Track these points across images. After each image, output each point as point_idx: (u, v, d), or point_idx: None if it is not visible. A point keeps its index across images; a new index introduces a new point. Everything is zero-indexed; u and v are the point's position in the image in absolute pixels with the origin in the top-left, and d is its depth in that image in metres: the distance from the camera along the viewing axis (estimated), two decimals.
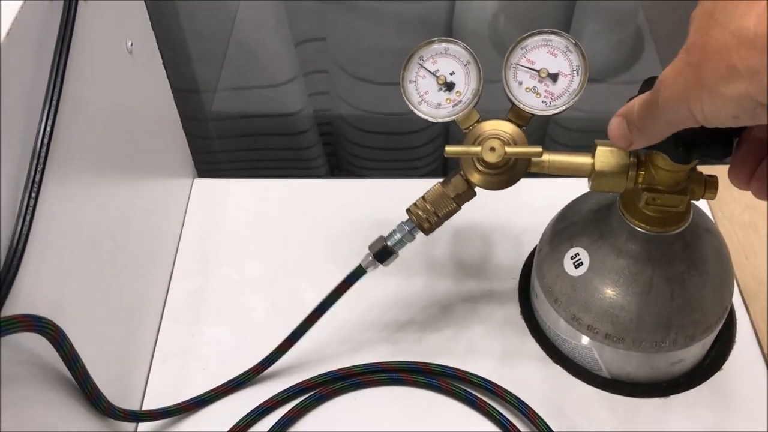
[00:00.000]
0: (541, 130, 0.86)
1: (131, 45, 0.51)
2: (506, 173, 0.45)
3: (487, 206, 0.49)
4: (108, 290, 0.48)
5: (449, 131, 0.86)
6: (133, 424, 0.51)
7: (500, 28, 0.75)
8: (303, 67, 0.81)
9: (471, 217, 0.62)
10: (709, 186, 0.46)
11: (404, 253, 0.49)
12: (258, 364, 0.53)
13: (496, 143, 0.43)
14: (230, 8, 0.74)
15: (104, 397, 0.43)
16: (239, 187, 0.69)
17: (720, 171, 0.43)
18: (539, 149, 0.43)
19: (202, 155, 0.82)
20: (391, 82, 0.76)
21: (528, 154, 0.43)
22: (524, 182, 0.47)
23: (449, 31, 0.76)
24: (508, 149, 0.43)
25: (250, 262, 0.62)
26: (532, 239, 0.56)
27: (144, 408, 0.52)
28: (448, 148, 0.44)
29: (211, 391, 0.52)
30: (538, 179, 0.58)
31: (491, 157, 0.43)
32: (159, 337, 0.57)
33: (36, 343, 0.37)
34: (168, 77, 0.63)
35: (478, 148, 0.43)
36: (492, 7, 0.74)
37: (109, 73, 0.48)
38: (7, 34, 0.36)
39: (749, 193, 0.39)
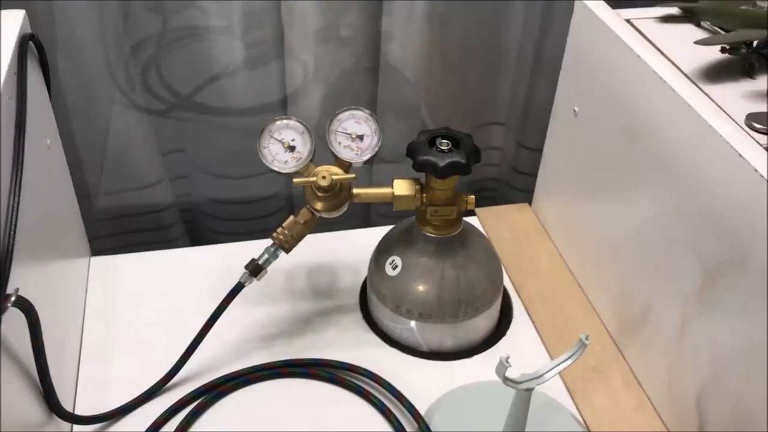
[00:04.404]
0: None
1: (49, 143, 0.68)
2: (335, 198, 0.67)
3: (334, 251, 0.76)
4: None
5: (293, 202, 1.07)
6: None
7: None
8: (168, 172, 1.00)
9: (321, 259, 0.84)
10: (469, 200, 0.70)
11: (272, 285, 0.72)
12: (167, 373, 0.68)
13: (326, 173, 0.65)
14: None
15: None
16: (126, 260, 0.85)
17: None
18: (353, 176, 0.66)
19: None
20: (245, 176, 0.98)
21: (347, 179, 0.66)
22: (359, 232, 0.73)
23: None
24: (334, 177, 0.65)
25: (147, 312, 0.77)
26: (365, 269, 0.77)
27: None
28: (296, 180, 0.65)
29: (132, 400, 0.67)
30: (371, 229, 0.83)
31: (324, 182, 0.65)
32: (80, 368, 0.71)
33: None
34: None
35: (314, 178, 0.65)
36: (316, 111, 0.98)
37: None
38: None
39: (514, 220, 0.59)
